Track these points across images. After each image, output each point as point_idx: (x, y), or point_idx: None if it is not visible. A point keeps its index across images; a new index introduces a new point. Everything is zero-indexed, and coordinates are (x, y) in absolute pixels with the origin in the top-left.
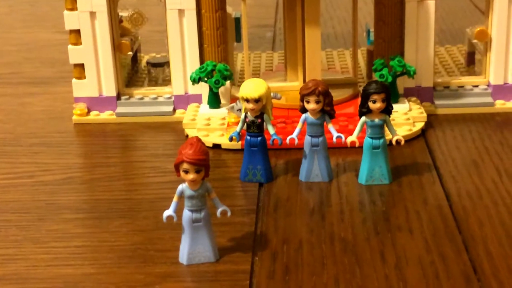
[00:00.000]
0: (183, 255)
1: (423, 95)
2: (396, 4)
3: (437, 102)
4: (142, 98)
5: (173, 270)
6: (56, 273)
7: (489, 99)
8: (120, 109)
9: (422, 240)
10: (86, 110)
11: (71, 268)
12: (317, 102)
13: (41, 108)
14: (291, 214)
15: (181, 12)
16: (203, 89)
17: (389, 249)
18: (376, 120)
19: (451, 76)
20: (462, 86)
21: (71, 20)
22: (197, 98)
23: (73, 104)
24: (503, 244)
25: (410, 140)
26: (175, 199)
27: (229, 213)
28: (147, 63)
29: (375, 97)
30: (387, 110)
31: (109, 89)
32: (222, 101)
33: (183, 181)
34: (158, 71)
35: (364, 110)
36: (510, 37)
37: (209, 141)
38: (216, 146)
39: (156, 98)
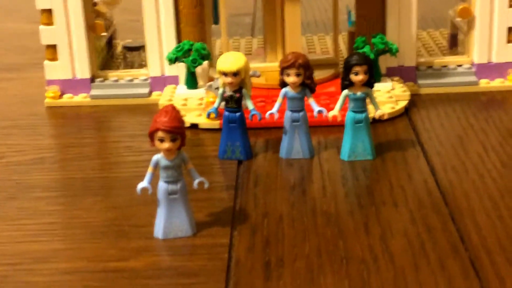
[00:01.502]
0: (159, 229)
1: (406, 74)
2: None
3: (420, 81)
4: (117, 81)
5: (148, 245)
6: (24, 249)
7: (473, 78)
8: (94, 92)
9: (407, 213)
10: (59, 93)
11: (40, 244)
12: (297, 75)
13: (13, 93)
14: (271, 189)
15: None
16: (180, 70)
17: (373, 222)
18: (359, 93)
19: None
20: (446, 66)
21: None
22: (174, 80)
23: (45, 87)
24: (491, 215)
25: (393, 118)
26: (149, 170)
27: (206, 185)
28: (123, 47)
29: (357, 69)
30: (370, 83)
31: (83, 71)
32: (200, 82)
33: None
34: (134, 55)
35: (346, 83)
36: (493, 14)
37: (186, 121)
38: (194, 126)
39: (131, 80)
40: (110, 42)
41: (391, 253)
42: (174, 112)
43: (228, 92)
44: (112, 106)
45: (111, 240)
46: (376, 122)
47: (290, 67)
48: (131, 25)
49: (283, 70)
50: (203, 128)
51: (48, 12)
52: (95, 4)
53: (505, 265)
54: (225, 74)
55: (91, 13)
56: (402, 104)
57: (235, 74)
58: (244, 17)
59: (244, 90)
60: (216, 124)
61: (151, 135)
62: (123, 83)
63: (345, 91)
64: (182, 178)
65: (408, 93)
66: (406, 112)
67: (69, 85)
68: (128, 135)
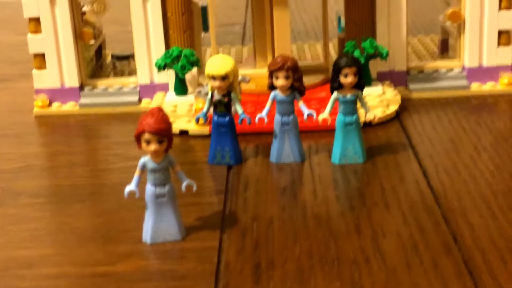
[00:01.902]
0: (147, 234)
1: (396, 79)
2: None
3: (411, 86)
4: (106, 89)
5: (136, 249)
6: (10, 255)
7: (464, 82)
8: (83, 100)
9: (399, 214)
10: (48, 102)
11: (26, 249)
12: (286, 77)
13: (0, 102)
14: (261, 193)
15: None
16: (169, 77)
17: (364, 223)
18: (348, 95)
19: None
20: (437, 70)
21: (30, 7)
22: (164, 87)
23: (34, 96)
24: (484, 215)
25: (384, 122)
26: (137, 174)
27: (194, 187)
28: (112, 56)
29: (346, 71)
30: (360, 85)
31: (72, 80)
32: (190, 89)
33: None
34: (124, 65)
35: (336, 85)
36: (484, 18)
37: (176, 127)
38: (184, 133)
39: (121, 88)
40: (99, 52)
41: (383, 254)
42: (160, 114)
43: (217, 96)
44: (101, 114)
45: (99, 245)
46: (367, 126)
47: (279, 70)
48: (121, 37)
49: (272, 73)
50: (192, 135)
51: (36, 20)
52: (83, 13)
53: (499, 264)
54: (213, 77)
55: (79, 21)
56: (393, 108)
57: (223, 77)
58: (234, 26)
59: (233, 94)
60: (206, 130)
61: (138, 137)
62: (112, 91)
63: (335, 94)
64: (170, 181)
65: (399, 97)
66: (397, 116)
67: (57, 94)
68: (116, 143)
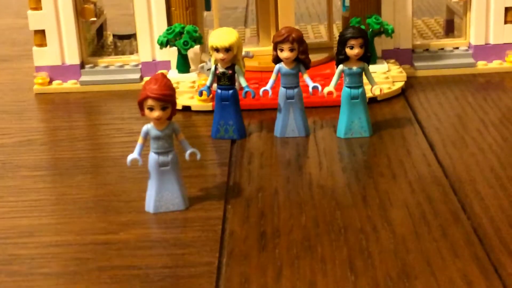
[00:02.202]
0: (150, 203)
1: (402, 57)
2: None
3: (416, 64)
4: (107, 67)
5: (138, 219)
6: (10, 224)
7: (470, 60)
8: (84, 78)
9: (406, 185)
10: (48, 79)
11: (27, 219)
12: (291, 50)
13: (1, 81)
14: (265, 166)
15: None
16: (171, 55)
17: (371, 193)
18: (354, 68)
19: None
20: (442, 49)
21: None
22: (166, 65)
23: (34, 74)
24: (493, 186)
25: (390, 98)
26: (139, 141)
27: (198, 156)
28: (113, 35)
29: (352, 42)
30: (366, 57)
31: (72, 57)
32: (192, 66)
33: None
34: (125, 44)
35: (342, 57)
36: None
37: (178, 103)
38: (186, 109)
39: (122, 66)
40: (100, 33)
41: (391, 223)
42: (164, 80)
43: (221, 69)
44: (102, 92)
45: (100, 215)
46: (372, 102)
47: (284, 41)
48: (123, 19)
49: (276, 45)
50: (195, 110)
51: None
52: None
53: (509, 231)
54: (217, 49)
55: None
56: (399, 84)
57: (227, 49)
58: (236, 10)
59: (236, 67)
60: (208, 106)
61: (141, 104)
62: (114, 69)
63: (340, 66)
64: (173, 150)
65: (404, 74)
66: (403, 93)
67: (58, 72)
68: (118, 118)
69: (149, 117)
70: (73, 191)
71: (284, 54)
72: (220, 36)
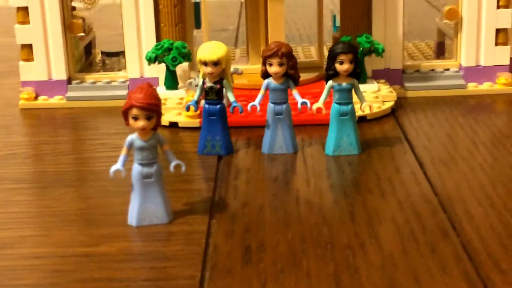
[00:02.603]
0: (132, 216)
1: (392, 77)
2: None
3: (407, 84)
4: (94, 83)
5: (120, 232)
6: None
7: (461, 81)
8: (71, 93)
9: (395, 202)
10: (34, 95)
11: (8, 231)
12: (280, 64)
13: None
14: (252, 181)
15: None
16: (159, 71)
17: (359, 210)
18: (344, 84)
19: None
20: (433, 70)
21: None
22: (154, 82)
23: (20, 89)
24: (483, 204)
25: (380, 118)
26: (123, 152)
27: (183, 168)
28: (102, 53)
29: (342, 57)
30: (356, 74)
31: (59, 72)
32: (180, 83)
33: None
34: (114, 62)
35: (331, 73)
36: (481, 16)
37: (165, 119)
38: (173, 125)
39: (109, 82)
40: (88, 50)
41: (379, 239)
42: (150, 89)
43: (208, 83)
44: (89, 108)
45: (82, 228)
46: (362, 120)
47: (273, 56)
48: (112, 39)
49: (265, 59)
50: (182, 126)
51: (24, 9)
52: (73, 8)
53: (499, 249)
54: (205, 63)
55: (69, 12)
56: (389, 104)
57: (215, 63)
58: (227, 30)
59: (225, 82)
60: (196, 122)
61: (125, 113)
62: (101, 85)
63: (330, 82)
64: (157, 161)
65: (394, 94)
66: (393, 113)
67: (44, 87)
68: (104, 133)
69: (133, 127)
70: (55, 204)
71: (273, 69)
72: (209, 49)
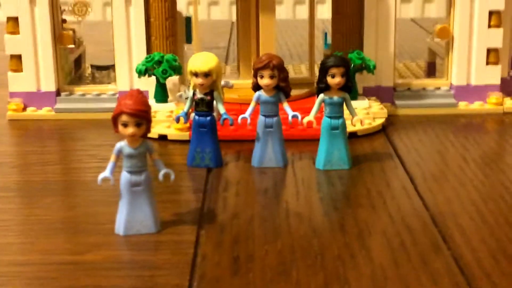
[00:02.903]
0: (120, 225)
1: (383, 95)
2: None
3: (397, 102)
4: (83, 95)
5: (107, 240)
6: None
7: (452, 100)
8: (59, 105)
9: (386, 215)
10: (22, 106)
11: None
12: (271, 77)
13: None
14: (241, 193)
15: (127, 0)
16: (149, 84)
17: (349, 222)
18: (335, 97)
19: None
20: (424, 88)
21: (9, 6)
22: None
23: (8, 99)
24: (475, 218)
25: (370, 134)
26: (112, 159)
27: (172, 176)
28: (91, 66)
29: (334, 71)
30: (347, 87)
31: (48, 84)
32: (170, 97)
33: None
34: (103, 75)
35: (322, 86)
36: (473, 35)
37: (154, 132)
38: (163, 138)
39: (99, 94)
40: (78, 63)
41: (369, 250)
42: (140, 96)
43: (199, 95)
44: (77, 120)
45: (68, 236)
46: (352, 136)
47: (264, 68)
48: (102, 55)
49: (256, 71)
50: (171, 139)
51: (14, 20)
52: (64, 21)
53: (491, 262)
54: (195, 74)
55: (59, 23)
56: (380, 121)
57: (206, 74)
58: (218, 48)
59: (215, 93)
60: (185, 135)
61: (115, 119)
62: (90, 97)
63: (321, 96)
64: (146, 169)
65: (385, 110)
66: (383, 129)
67: (33, 98)
68: (92, 145)
69: (122, 133)
70: (41, 212)
71: (264, 81)
72: (200, 60)
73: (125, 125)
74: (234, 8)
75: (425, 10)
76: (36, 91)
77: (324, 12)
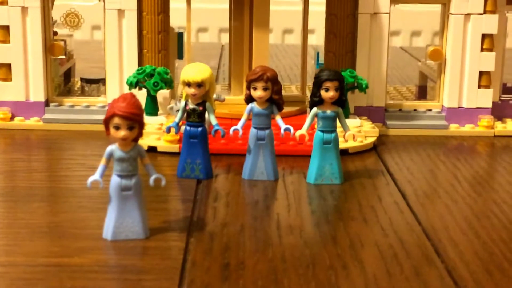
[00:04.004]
0: (108, 230)
1: (374, 115)
2: (348, 16)
3: (389, 122)
4: (73, 106)
5: (95, 245)
6: None
7: (443, 122)
8: (48, 115)
9: (378, 228)
10: (10, 115)
11: None
12: (264, 89)
13: None
14: (232, 204)
15: (120, 12)
16: (140, 97)
17: (341, 234)
18: (328, 111)
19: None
20: (415, 110)
21: (0, 14)
22: None
23: None
24: (467, 233)
25: (362, 152)
26: (102, 162)
27: (163, 182)
28: (81, 79)
29: (328, 84)
30: (340, 102)
31: (37, 94)
32: (160, 110)
33: None
34: (93, 88)
35: (316, 100)
36: (465, 58)
37: (144, 144)
38: (152, 149)
39: (88, 106)
40: (68, 76)
41: (361, 261)
42: (133, 99)
43: (191, 105)
44: (66, 131)
45: (54, 240)
46: (344, 154)
47: (258, 80)
48: (93, 70)
49: (250, 83)
50: (161, 151)
51: (5, 28)
52: (55, 33)
53: (485, 275)
54: (188, 84)
55: (50, 34)
56: (371, 139)
57: (199, 85)
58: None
59: (208, 104)
60: (175, 147)
61: (106, 122)
62: (80, 108)
63: (314, 109)
64: (137, 174)
65: (376, 129)
66: (375, 148)
67: (21, 108)
68: (80, 154)
69: (114, 136)
70: (27, 216)
71: (258, 93)
72: (193, 70)
73: (117, 127)
74: (223, 34)
75: (412, 42)
76: (24, 101)
77: (313, 39)
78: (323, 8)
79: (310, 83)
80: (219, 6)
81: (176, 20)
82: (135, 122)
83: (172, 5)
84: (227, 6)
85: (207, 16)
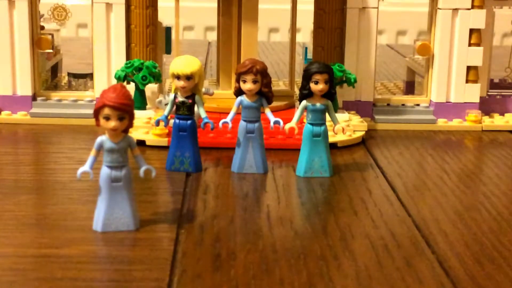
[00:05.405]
0: (98, 221)
1: (362, 109)
2: (337, 11)
3: (377, 117)
4: (60, 100)
5: (85, 236)
6: None
7: (431, 116)
8: (35, 109)
9: (368, 220)
10: None
11: None
12: (254, 81)
13: None
14: (222, 196)
15: (108, 6)
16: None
17: (332, 226)
18: (318, 104)
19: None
20: (403, 104)
21: None
22: None
23: None
24: (457, 225)
25: (350, 146)
26: (92, 154)
27: (153, 173)
28: (68, 74)
29: (317, 77)
30: (330, 95)
31: (24, 88)
32: (149, 105)
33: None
34: (80, 84)
35: (305, 92)
36: (453, 53)
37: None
38: (141, 143)
39: (76, 101)
40: (55, 71)
41: (353, 252)
42: (123, 90)
43: (180, 98)
44: (53, 125)
45: (44, 231)
46: (332, 147)
47: (247, 72)
48: (79, 67)
49: (239, 76)
50: (150, 145)
51: None
52: (42, 27)
53: (475, 265)
54: (177, 77)
55: (37, 28)
56: (360, 133)
57: (188, 77)
58: None
59: (197, 97)
60: (164, 141)
61: (96, 113)
62: (67, 103)
63: (304, 102)
64: (127, 165)
65: (365, 124)
66: (363, 142)
67: (8, 102)
68: (69, 148)
69: (104, 127)
70: (16, 208)
71: (247, 85)
72: (182, 63)
73: (107, 118)
74: (209, 33)
75: (398, 40)
76: (12, 95)
77: (299, 37)
78: (309, 6)
79: (298, 79)
80: (205, 4)
81: (164, 19)
82: (125, 113)
83: (161, 3)
84: (213, 4)
85: (193, 14)
